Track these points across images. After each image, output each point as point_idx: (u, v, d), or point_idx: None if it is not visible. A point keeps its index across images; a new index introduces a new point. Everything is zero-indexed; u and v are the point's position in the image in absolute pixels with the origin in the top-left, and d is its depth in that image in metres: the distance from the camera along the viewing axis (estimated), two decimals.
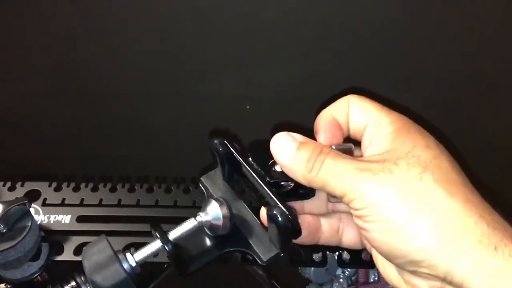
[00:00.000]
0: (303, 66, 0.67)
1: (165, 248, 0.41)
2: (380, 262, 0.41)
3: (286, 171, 0.42)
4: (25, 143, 0.73)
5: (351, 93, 0.44)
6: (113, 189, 0.57)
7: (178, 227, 0.43)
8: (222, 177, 0.48)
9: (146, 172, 0.64)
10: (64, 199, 0.57)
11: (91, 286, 0.39)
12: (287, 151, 0.41)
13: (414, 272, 0.37)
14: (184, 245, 0.43)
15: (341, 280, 0.54)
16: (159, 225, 0.42)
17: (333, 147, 0.42)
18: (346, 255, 0.51)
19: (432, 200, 0.36)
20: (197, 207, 0.55)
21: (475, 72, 0.67)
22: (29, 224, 0.49)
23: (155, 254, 0.41)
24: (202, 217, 0.43)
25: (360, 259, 0.51)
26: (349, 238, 0.45)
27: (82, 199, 0.57)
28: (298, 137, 0.42)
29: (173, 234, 0.42)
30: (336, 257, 0.51)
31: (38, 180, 0.58)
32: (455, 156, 0.40)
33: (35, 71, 0.69)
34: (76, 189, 0.58)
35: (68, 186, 0.58)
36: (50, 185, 0.58)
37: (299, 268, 0.56)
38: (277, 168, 0.44)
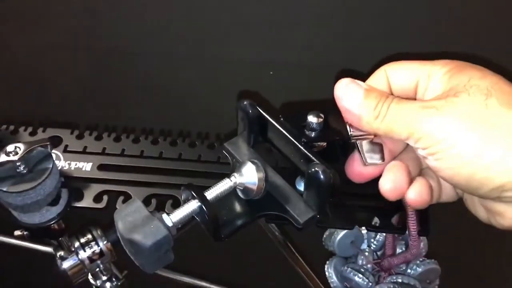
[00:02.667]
0: (328, 32, 0.65)
1: (203, 209, 0.39)
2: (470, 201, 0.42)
3: (349, 117, 0.42)
4: (48, 94, 0.70)
5: (385, 62, 0.43)
6: (136, 140, 0.56)
7: (213, 187, 0.41)
8: (246, 143, 0.47)
9: (170, 126, 0.62)
10: (85, 147, 0.55)
11: (127, 247, 0.38)
12: (354, 98, 0.41)
13: (498, 199, 0.38)
14: (217, 209, 0.41)
15: (366, 253, 0.53)
16: (194, 185, 0.41)
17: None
18: (376, 220, 0.50)
19: (502, 124, 0.36)
20: (222, 163, 0.54)
21: None
22: (50, 167, 0.48)
23: (191, 215, 0.40)
24: (237, 178, 0.42)
25: (390, 224, 0.49)
26: (446, 193, 0.45)
27: (104, 148, 0.55)
28: (363, 84, 0.42)
29: (209, 195, 0.41)
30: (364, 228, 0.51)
31: (60, 127, 0.56)
32: None
33: (58, 25, 0.66)
34: (98, 138, 0.56)
35: (90, 134, 0.56)
36: (72, 133, 0.56)
37: (323, 241, 0.55)
38: (309, 130, 0.43)
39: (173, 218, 0.39)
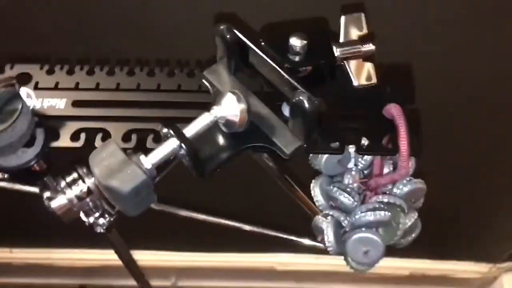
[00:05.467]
0: None
1: (182, 147, 0.37)
2: None
3: None
4: (13, 26, 0.65)
5: None
6: (110, 73, 0.52)
7: (192, 123, 0.39)
8: (227, 70, 0.44)
9: (147, 56, 0.58)
10: (57, 83, 0.51)
11: (105, 192, 0.36)
12: None
13: None
14: (198, 144, 0.40)
15: (353, 172, 0.52)
16: (172, 123, 0.38)
17: None
18: (364, 141, 0.48)
19: None
20: (203, 91, 0.51)
21: None
22: (20, 107, 0.45)
23: (171, 155, 0.38)
24: (217, 111, 0.40)
25: (380, 145, 0.48)
26: None
27: (77, 83, 0.52)
28: None
29: (188, 132, 0.39)
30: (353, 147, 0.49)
31: (28, 63, 0.52)
32: None
33: None
34: (70, 72, 0.52)
35: (61, 69, 0.52)
36: (41, 68, 0.52)
37: (309, 159, 0.53)
38: (293, 53, 0.41)
39: (151, 159, 0.37)
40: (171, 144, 0.37)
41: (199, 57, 0.54)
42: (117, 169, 0.35)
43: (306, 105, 0.37)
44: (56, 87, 0.51)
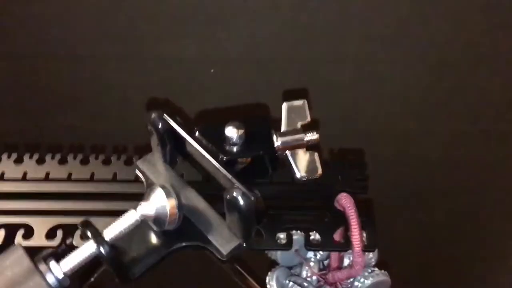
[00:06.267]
0: (272, 24, 0.58)
1: (100, 251, 0.33)
2: None
3: None
4: None
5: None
6: (40, 161, 0.48)
7: (116, 222, 0.35)
8: (163, 160, 0.41)
9: (81, 141, 0.54)
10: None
11: None
12: None
13: None
14: (124, 245, 0.36)
15: (311, 263, 0.48)
16: (90, 222, 0.34)
17: None
18: (314, 235, 0.44)
19: None
20: (141, 181, 0.48)
21: None
22: None
23: (88, 259, 0.33)
24: (144, 208, 0.36)
25: (331, 240, 0.44)
26: None
27: (3, 172, 0.48)
28: None
29: (110, 233, 0.34)
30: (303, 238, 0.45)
31: None
32: None
33: None
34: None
35: None
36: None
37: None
38: (229, 144, 0.38)
39: (64, 266, 0.33)
40: (88, 249, 0.33)
41: (138, 143, 0.50)
42: (20, 281, 0.31)
43: (241, 202, 0.34)
44: None
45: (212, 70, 0.60)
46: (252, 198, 0.34)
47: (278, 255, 0.50)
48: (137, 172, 0.42)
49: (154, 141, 0.41)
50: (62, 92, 0.61)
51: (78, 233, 0.44)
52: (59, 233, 0.44)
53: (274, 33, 0.56)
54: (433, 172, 0.66)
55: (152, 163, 0.42)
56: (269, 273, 0.51)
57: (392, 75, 0.60)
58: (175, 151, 0.41)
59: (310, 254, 0.51)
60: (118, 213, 0.38)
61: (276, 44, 0.56)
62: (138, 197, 0.44)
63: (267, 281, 0.51)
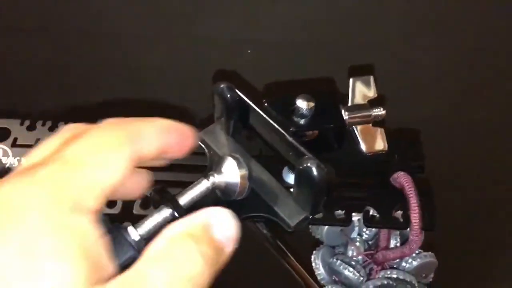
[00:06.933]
0: (309, 8, 0.58)
1: (175, 217, 0.33)
2: None
3: None
4: None
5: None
6: None
7: (188, 190, 0.35)
8: (224, 131, 0.41)
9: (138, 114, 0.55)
10: (38, 140, 0.48)
11: None
12: None
13: None
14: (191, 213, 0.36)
15: (357, 243, 0.48)
16: (166, 189, 0.34)
17: None
18: (373, 212, 0.44)
19: None
20: (198, 153, 0.48)
21: None
22: None
23: (162, 225, 0.34)
24: (216, 178, 0.36)
25: (391, 218, 0.44)
26: None
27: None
28: None
29: (183, 199, 0.35)
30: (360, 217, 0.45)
31: (7, 117, 0.49)
32: None
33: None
34: (53, 128, 0.49)
35: (43, 125, 0.49)
36: (22, 123, 0.49)
37: (309, 228, 0.49)
38: (298, 116, 0.37)
39: (140, 230, 0.33)
40: (163, 214, 0.33)
41: (193, 116, 0.51)
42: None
43: (315, 173, 0.34)
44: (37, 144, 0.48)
45: (249, 51, 0.60)
46: (326, 169, 0.34)
47: (323, 234, 0.50)
48: (200, 143, 0.42)
49: (218, 112, 0.41)
50: (94, 70, 0.62)
51: (137, 202, 0.45)
52: (119, 201, 0.45)
53: (311, 16, 0.56)
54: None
55: (215, 135, 0.42)
56: (314, 251, 0.51)
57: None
58: (238, 123, 0.41)
59: (355, 234, 0.51)
60: (175, 184, 0.38)
61: (314, 28, 0.56)
62: (195, 169, 0.44)
63: (312, 259, 0.51)
